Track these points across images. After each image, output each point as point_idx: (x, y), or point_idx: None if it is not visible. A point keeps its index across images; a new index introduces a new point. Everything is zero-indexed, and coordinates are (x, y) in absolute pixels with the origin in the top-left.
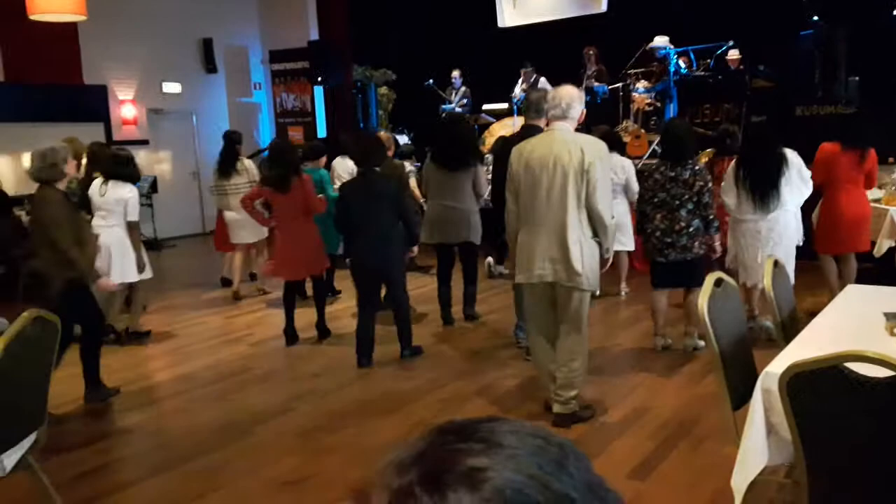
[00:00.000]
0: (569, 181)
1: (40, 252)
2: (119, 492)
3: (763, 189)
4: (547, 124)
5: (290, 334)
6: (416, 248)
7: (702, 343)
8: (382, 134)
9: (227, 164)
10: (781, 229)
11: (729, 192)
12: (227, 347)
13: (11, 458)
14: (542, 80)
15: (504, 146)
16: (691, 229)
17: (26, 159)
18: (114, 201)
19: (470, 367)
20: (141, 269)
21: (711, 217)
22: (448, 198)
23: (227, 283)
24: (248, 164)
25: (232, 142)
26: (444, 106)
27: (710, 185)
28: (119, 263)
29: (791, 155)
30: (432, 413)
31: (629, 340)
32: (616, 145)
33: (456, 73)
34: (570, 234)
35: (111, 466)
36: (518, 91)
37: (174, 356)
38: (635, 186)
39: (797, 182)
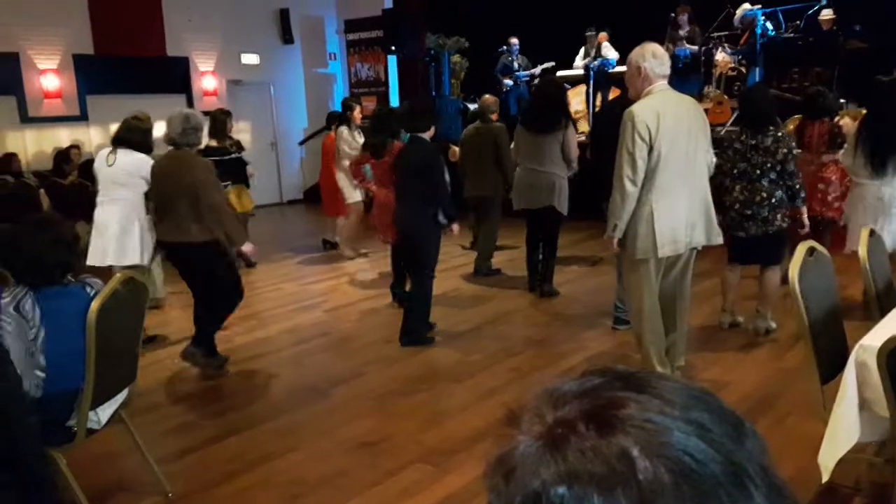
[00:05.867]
0: (700, 140)
1: (180, 215)
2: (203, 448)
3: (885, 151)
4: (645, 84)
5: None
6: (455, 228)
7: (774, 325)
8: (488, 97)
9: (336, 128)
10: None
11: (848, 152)
12: (303, 313)
13: (106, 411)
14: (606, 44)
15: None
16: (773, 200)
17: (115, 130)
18: None
19: (542, 337)
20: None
21: (798, 187)
22: (535, 162)
23: (329, 245)
24: (341, 130)
25: (344, 108)
26: (517, 74)
27: (793, 152)
28: None
29: None
30: (502, 382)
31: (703, 317)
32: None
33: (514, 41)
34: (708, 194)
35: (195, 424)
36: (580, 60)
37: (253, 321)
38: None
39: None
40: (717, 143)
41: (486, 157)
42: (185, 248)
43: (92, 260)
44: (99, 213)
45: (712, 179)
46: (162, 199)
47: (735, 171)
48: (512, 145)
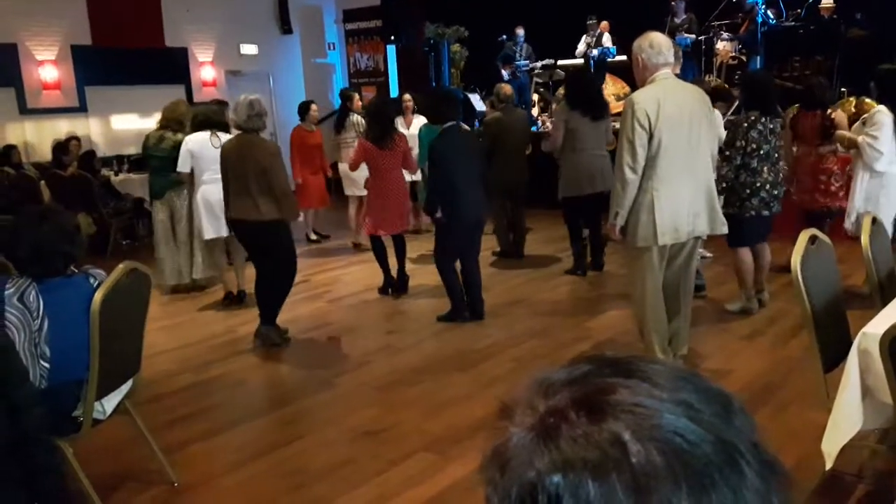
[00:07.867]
0: (703, 129)
1: (251, 195)
2: (208, 438)
3: None
4: (645, 73)
5: (391, 285)
6: None
7: (766, 296)
8: (507, 86)
9: (339, 119)
10: None
11: (887, 143)
12: (306, 304)
13: (111, 402)
14: (606, 35)
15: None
16: (784, 179)
17: (115, 121)
18: None
19: (546, 326)
20: None
21: None
22: (597, 147)
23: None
24: (355, 119)
25: (344, 98)
26: (517, 63)
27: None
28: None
29: None
30: (505, 371)
31: (703, 304)
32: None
33: (520, 31)
34: (711, 183)
35: (200, 414)
36: (582, 47)
37: (255, 311)
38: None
39: None
40: (731, 127)
41: (522, 143)
42: (253, 226)
43: (213, 233)
44: (215, 191)
45: (740, 161)
46: (234, 179)
47: (761, 153)
48: (559, 131)
